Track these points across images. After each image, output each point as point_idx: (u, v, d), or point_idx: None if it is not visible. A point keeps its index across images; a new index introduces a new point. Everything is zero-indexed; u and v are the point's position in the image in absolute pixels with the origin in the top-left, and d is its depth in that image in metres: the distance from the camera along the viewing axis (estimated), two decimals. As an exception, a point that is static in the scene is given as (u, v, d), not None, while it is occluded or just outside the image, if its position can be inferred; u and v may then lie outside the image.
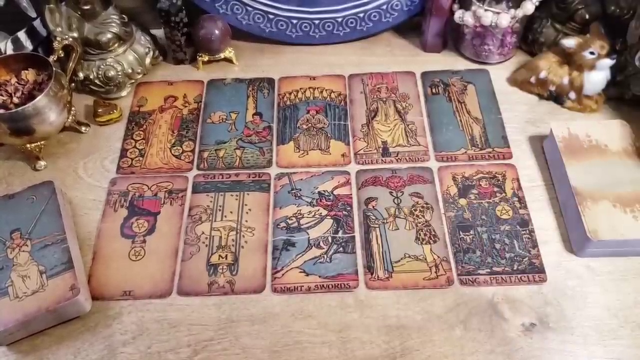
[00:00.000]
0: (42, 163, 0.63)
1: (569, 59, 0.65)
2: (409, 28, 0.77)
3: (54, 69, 0.60)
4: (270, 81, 0.72)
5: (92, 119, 0.68)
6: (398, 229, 0.57)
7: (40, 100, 0.57)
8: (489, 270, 0.54)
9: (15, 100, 0.61)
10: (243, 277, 0.54)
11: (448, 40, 0.75)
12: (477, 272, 0.54)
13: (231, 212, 0.59)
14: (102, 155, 0.65)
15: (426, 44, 0.74)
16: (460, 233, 0.57)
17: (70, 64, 0.65)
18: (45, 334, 0.50)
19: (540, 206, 0.59)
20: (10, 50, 0.66)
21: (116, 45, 0.69)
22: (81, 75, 0.68)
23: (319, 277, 0.54)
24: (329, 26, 0.74)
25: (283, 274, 0.54)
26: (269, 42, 0.76)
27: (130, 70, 0.70)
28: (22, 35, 0.68)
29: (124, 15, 0.69)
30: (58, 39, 0.63)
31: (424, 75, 0.72)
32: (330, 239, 0.57)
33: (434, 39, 0.73)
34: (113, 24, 0.68)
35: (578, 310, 0.51)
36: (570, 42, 0.63)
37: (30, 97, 0.61)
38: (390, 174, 0.62)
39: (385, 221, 0.58)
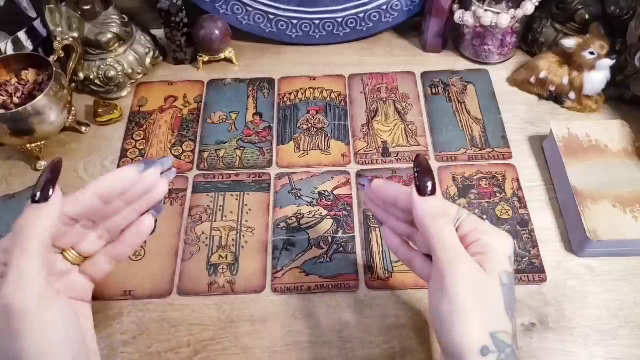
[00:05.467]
0: (42, 163, 0.63)
1: (568, 59, 0.65)
2: (409, 28, 0.77)
3: (54, 69, 0.60)
4: (270, 81, 0.72)
5: (92, 119, 0.68)
6: (398, 229, 0.57)
7: (41, 100, 0.58)
8: (489, 270, 0.54)
9: (16, 100, 0.61)
10: (243, 277, 0.54)
11: (448, 40, 0.75)
12: (477, 272, 0.54)
13: (231, 212, 0.59)
14: (103, 156, 0.65)
15: (426, 44, 0.75)
16: (460, 233, 0.56)
17: (71, 64, 0.65)
18: (45, 334, 0.50)
19: (540, 206, 0.59)
20: (10, 51, 0.66)
21: (116, 45, 0.69)
22: (81, 75, 0.68)
23: (319, 277, 0.54)
24: (329, 26, 0.74)
25: (283, 274, 0.54)
26: (269, 42, 0.76)
27: (130, 71, 0.70)
28: (22, 35, 0.68)
29: (124, 16, 0.70)
30: (58, 39, 0.63)
31: (424, 75, 0.72)
32: (330, 239, 0.57)
33: (434, 39, 0.73)
34: (113, 24, 0.68)
35: (578, 310, 0.51)
36: (570, 42, 0.63)
37: (30, 97, 0.61)
38: (391, 174, 0.62)
39: (385, 221, 0.58)
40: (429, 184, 0.36)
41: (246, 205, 0.59)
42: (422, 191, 0.36)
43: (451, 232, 0.35)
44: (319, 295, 0.53)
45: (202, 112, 0.69)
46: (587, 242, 0.52)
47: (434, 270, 0.35)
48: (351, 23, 0.74)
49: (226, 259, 0.55)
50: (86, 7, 0.66)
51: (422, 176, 0.37)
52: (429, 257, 0.40)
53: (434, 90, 0.70)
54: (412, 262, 0.41)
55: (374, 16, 0.74)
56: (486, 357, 0.32)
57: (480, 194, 0.59)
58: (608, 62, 0.62)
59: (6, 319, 0.32)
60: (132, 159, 0.64)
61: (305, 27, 0.74)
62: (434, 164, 0.63)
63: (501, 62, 0.73)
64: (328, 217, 0.58)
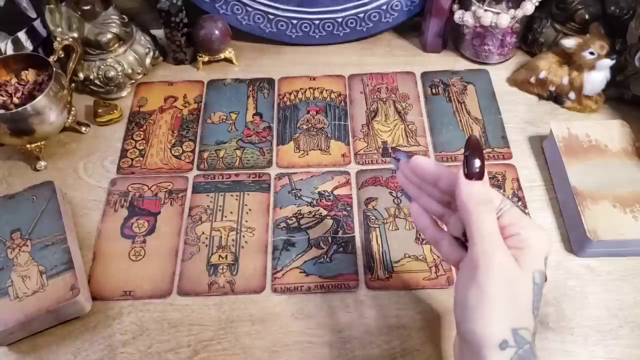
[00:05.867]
0: (42, 163, 0.63)
1: (568, 59, 0.65)
2: (409, 28, 0.77)
3: (54, 69, 0.60)
4: (270, 81, 0.72)
5: (92, 119, 0.68)
6: (398, 229, 0.57)
7: (41, 100, 0.58)
8: (489, 270, 0.54)
9: (16, 100, 0.61)
10: (243, 277, 0.54)
11: (448, 40, 0.75)
12: (477, 272, 0.54)
13: (231, 212, 0.59)
14: (102, 156, 0.65)
15: (426, 44, 0.75)
16: (460, 233, 0.56)
17: (71, 64, 0.65)
18: (45, 334, 0.50)
19: (540, 206, 0.59)
20: (10, 51, 0.66)
21: (116, 45, 0.69)
22: (81, 75, 0.68)
23: (319, 277, 0.54)
24: (329, 26, 0.74)
25: (283, 274, 0.54)
26: (269, 42, 0.76)
27: (130, 71, 0.70)
28: (22, 35, 0.68)
29: (124, 16, 0.70)
30: (58, 39, 0.63)
31: (424, 75, 0.72)
32: (330, 239, 0.57)
33: (434, 39, 0.73)
34: (113, 24, 0.68)
35: (578, 310, 0.51)
36: (570, 42, 0.63)
37: (30, 97, 0.61)
38: (391, 174, 0.62)
39: (385, 221, 0.58)
40: (478, 167, 0.35)
41: (246, 205, 0.59)
42: (469, 174, 0.35)
43: (492, 221, 0.34)
44: (319, 295, 0.53)
45: (202, 112, 0.69)
46: (587, 242, 0.52)
47: (467, 256, 0.35)
48: (351, 23, 0.74)
49: (226, 259, 0.55)
50: (86, 7, 0.66)
51: (471, 158, 0.35)
52: (457, 239, 0.39)
53: (434, 90, 0.70)
54: (439, 244, 0.40)
55: (374, 16, 0.74)
56: (504, 351, 0.32)
57: (480, 194, 0.59)
58: (608, 62, 0.62)
59: None
60: (132, 159, 0.64)
61: (305, 27, 0.74)
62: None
63: (501, 62, 0.73)
64: (328, 217, 0.58)
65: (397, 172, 0.42)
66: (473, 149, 0.35)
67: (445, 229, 0.40)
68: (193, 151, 0.65)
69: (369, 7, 0.73)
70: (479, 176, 0.35)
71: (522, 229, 0.35)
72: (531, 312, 0.34)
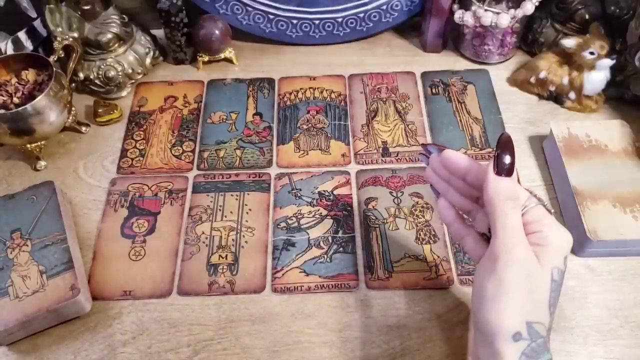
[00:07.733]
0: (42, 163, 0.63)
1: (568, 59, 0.65)
2: (409, 28, 0.77)
3: (54, 69, 0.60)
4: (270, 81, 0.72)
5: (92, 119, 0.68)
6: (398, 229, 0.57)
7: (41, 100, 0.58)
8: (489, 270, 0.54)
9: (16, 100, 0.61)
10: (243, 277, 0.54)
11: (448, 40, 0.75)
12: (477, 272, 0.54)
13: (231, 212, 0.59)
14: (102, 155, 0.65)
15: (426, 44, 0.75)
16: (460, 233, 0.56)
17: (71, 64, 0.65)
18: (45, 333, 0.50)
19: (540, 206, 0.59)
20: (10, 51, 0.66)
21: (116, 45, 0.69)
22: (81, 75, 0.68)
23: (319, 277, 0.54)
24: (329, 26, 0.74)
25: (283, 274, 0.54)
26: (269, 42, 0.76)
27: (130, 71, 0.70)
28: (22, 35, 0.68)
29: (124, 16, 0.70)
30: (58, 39, 0.63)
31: (424, 75, 0.72)
32: (330, 239, 0.57)
33: (434, 39, 0.73)
34: (113, 24, 0.68)
35: (578, 310, 0.51)
36: (570, 42, 0.63)
37: (30, 97, 0.61)
38: (391, 174, 0.62)
39: (385, 221, 0.58)
40: (508, 163, 0.35)
41: (246, 205, 0.59)
42: (498, 169, 0.36)
43: (517, 216, 0.35)
44: (319, 295, 0.53)
45: (202, 112, 0.69)
46: (587, 242, 0.52)
47: (489, 250, 0.36)
48: (351, 23, 0.74)
49: (226, 259, 0.55)
50: (86, 7, 0.66)
51: (502, 154, 0.36)
52: (483, 235, 0.39)
53: (434, 90, 0.70)
54: (464, 239, 0.41)
55: (374, 16, 0.74)
56: (517, 343, 0.33)
57: (480, 194, 0.59)
58: (608, 62, 0.62)
59: None
60: (132, 159, 0.64)
61: (305, 27, 0.74)
62: (434, 164, 0.62)
63: (501, 62, 0.73)
64: (328, 217, 0.58)
65: (427, 167, 0.42)
66: (504, 146, 0.36)
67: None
68: (193, 151, 0.65)
69: (369, 7, 0.73)
70: (508, 173, 0.36)
71: (545, 227, 0.35)
72: (547, 307, 0.34)
